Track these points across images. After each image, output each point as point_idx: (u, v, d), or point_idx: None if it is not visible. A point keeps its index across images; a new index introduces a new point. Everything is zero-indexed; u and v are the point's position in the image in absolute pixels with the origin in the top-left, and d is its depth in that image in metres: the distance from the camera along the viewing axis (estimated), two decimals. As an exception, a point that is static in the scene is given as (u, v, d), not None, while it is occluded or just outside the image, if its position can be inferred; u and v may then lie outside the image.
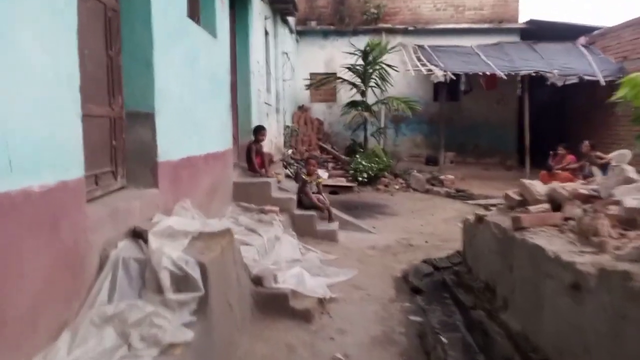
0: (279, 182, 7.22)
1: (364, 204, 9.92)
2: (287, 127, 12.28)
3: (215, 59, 5.61)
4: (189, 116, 4.61)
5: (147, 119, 3.71)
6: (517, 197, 4.29)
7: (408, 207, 9.80)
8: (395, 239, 7.02)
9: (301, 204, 6.86)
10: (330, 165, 12.97)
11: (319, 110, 15.31)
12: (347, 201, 10.25)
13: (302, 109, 14.56)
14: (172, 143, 4.10)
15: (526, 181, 4.27)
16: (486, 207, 9.84)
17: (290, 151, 9.15)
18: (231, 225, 5.26)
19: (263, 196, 6.44)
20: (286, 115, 12.76)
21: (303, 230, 6.47)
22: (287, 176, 9.17)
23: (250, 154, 7.11)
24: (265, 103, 9.55)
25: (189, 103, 4.60)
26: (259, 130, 7.22)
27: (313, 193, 6.92)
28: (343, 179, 11.88)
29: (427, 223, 8.35)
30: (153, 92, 3.71)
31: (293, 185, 7.55)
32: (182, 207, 3.83)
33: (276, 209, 6.27)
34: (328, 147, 13.78)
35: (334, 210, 7.28)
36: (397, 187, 11.63)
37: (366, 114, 12.68)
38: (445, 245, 6.80)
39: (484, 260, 4.46)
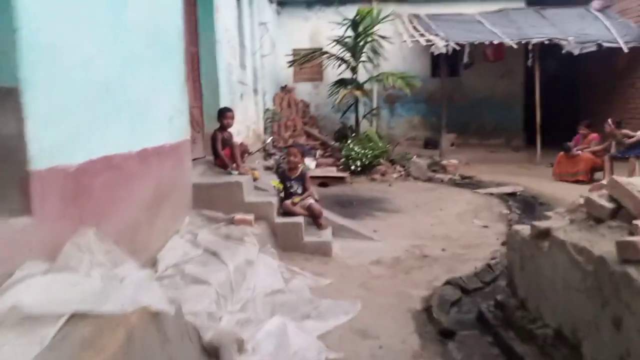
0: (255, 179, 5.68)
1: (360, 199, 8.43)
2: (268, 110, 10.70)
3: (159, 10, 4.03)
4: (108, 92, 3.05)
5: (5, 98, 2.16)
6: (608, 205, 2.80)
7: (411, 200, 8.33)
8: (404, 247, 5.54)
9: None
10: (318, 152, 11.44)
11: (304, 90, 13.70)
12: (339, 195, 8.75)
13: (284, 89, 12.95)
14: (68, 137, 2.56)
15: (621, 179, 2.77)
16: (501, 196, 8.45)
17: (270, 139, 7.59)
18: (184, 247, 3.75)
19: (232, 201, 4.92)
20: (266, 97, 11.17)
21: (287, 244, 4.98)
22: (268, 169, 7.62)
23: (216, 144, 5.56)
24: (240, 82, 7.97)
25: (107, 71, 3.04)
26: (224, 113, 5.66)
27: (296, 195, 5.38)
28: (333, 169, 10.38)
29: (437, 221, 6.89)
30: (16, 48, 2.15)
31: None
32: (77, 247, 2.28)
33: (250, 217, 4.74)
34: (315, 132, 12.23)
35: (325, 212, 5.79)
36: (395, 175, 10.15)
37: (357, 92, 11.13)
38: (468, 254, 5.36)
39: (555, 298, 3.00)
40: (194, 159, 5.93)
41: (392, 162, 10.75)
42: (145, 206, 3.60)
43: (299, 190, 5.36)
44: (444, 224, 6.77)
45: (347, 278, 4.54)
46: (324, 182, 9.73)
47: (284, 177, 5.50)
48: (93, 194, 2.80)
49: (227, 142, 5.73)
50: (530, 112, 12.69)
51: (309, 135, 12.03)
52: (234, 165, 5.52)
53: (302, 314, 3.63)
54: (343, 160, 10.34)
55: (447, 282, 4.37)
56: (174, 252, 3.76)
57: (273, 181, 5.55)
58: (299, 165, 5.46)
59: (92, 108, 2.85)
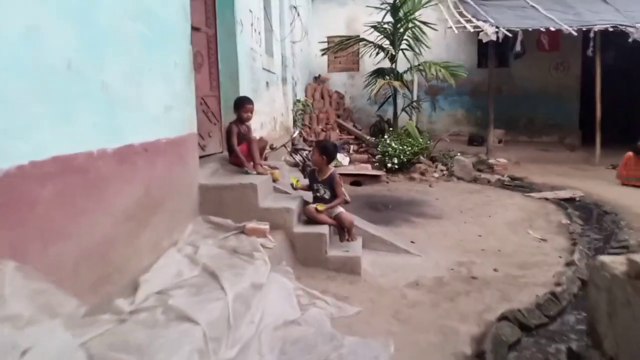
0: (275, 180, 4.93)
1: (396, 201, 7.58)
2: (298, 101, 9.94)
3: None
4: (70, 74, 2.34)
5: None
6: None
7: (454, 204, 7.42)
8: (448, 264, 4.69)
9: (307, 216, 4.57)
10: (352, 148, 10.62)
11: (338, 81, 12.86)
12: (372, 196, 7.93)
13: (318, 80, 12.16)
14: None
15: None
16: (558, 202, 7.44)
17: (297, 132, 6.82)
18: (179, 264, 3.05)
19: (245, 206, 4.18)
20: (297, 87, 10.41)
21: (308, 258, 4.21)
22: (295, 166, 6.86)
23: (231, 139, 4.83)
24: (265, 70, 7.23)
25: (67, 47, 2.33)
26: (242, 105, 4.91)
27: (323, 200, 4.58)
28: (368, 166, 9.55)
29: (486, 231, 5.98)
30: None
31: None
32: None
33: (264, 227, 3.99)
34: (349, 125, 11.40)
35: (355, 217, 5.00)
36: (436, 175, 9.23)
37: (396, 83, 10.22)
38: (526, 276, 4.47)
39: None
40: (208, 155, 5.25)
41: (433, 160, 9.83)
42: (127, 217, 2.88)
43: (327, 195, 4.57)
44: (494, 234, 5.86)
45: (377, 305, 3.73)
46: (357, 180, 8.93)
47: (311, 178, 4.72)
48: (38, 207, 2.09)
49: (245, 137, 4.99)
50: (586, 108, 11.50)
51: (342, 129, 11.22)
52: (251, 163, 4.78)
53: (320, 355, 2.87)
54: (379, 156, 9.50)
55: (503, 317, 3.51)
56: (164, 272, 3.04)
57: (292, 177, 4.77)
58: (329, 166, 4.65)
59: (40, 94, 2.14)
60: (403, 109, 10.81)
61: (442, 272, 4.48)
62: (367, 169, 9.34)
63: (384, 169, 9.28)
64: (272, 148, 6.07)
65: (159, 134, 3.35)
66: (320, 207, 4.42)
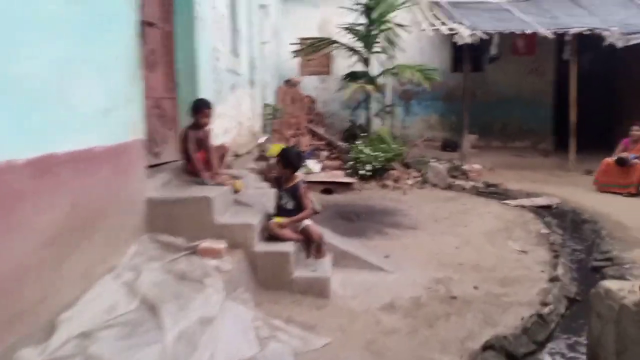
0: (236, 191, 4.47)
1: (369, 210, 7.19)
2: (267, 105, 9.48)
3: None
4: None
5: None
6: None
7: (429, 212, 7.08)
8: (425, 281, 4.30)
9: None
10: (324, 154, 10.21)
11: (310, 85, 12.46)
12: (344, 205, 7.52)
13: (289, 83, 11.73)
14: None
15: None
16: (535, 210, 7.18)
17: (264, 138, 6.35)
18: (114, 295, 2.58)
19: (199, 222, 3.72)
20: (267, 90, 9.96)
21: (270, 280, 3.76)
22: (262, 174, 6.40)
23: (187, 145, 4.35)
24: (230, 71, 6.76)
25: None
26: (200, 109, 4.44)
27: (286, 211, 4.15)
28: (340, 173, 9.15)
29: (463, 241, 5.63)
30: None
31: (264, 196, 4.77)
32: None
33: (219, 247, 3.54)
34: (321, 131, 11.00)
35: (325, 230, 4.57)
36: (410, 182, 8.88)
37: (370, 87, 9.87)
38: (508, 294, 4.13)
39: None
40: (162, 163, 4.76)
41: (407, 166, 9.49)
42: (46, 241, 2.40)
43: (290, 206, 4.13)
44: (471, 245, 5.51)
45: (348, 334, 3.31)
46: (329, 188, 8.52)
47: (277, 185, 4.29)
48: None
49: (203, 144, 4.53)
50: (561, 113, 11.36)
51: (314, 135, 10.81)
52: (207, 174, 4.31)
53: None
54: (351, 163, 9.11)
55: (488, 346, 3.14)
56: (92, 307, 2.56)
57: (237, 182, 4.34)
58: (296, 174, 4.22)
59: None
60: (376, 114, 10.47)
61: (419, 291, 4.08)
62: (339, 176, 8.94)
63: (357, 176, 8.89)
64: (236, 155, 5.61)
65: (93, 141, 2.87)
66: (280, 220, 3.99)
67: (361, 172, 8.82)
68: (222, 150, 4.63)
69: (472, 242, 5.65)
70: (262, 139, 6.22)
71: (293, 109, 11.02)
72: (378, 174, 8.92)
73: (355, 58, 10.35)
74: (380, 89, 10.63)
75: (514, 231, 6.17)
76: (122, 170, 3.27)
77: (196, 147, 4.40)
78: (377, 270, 4.44)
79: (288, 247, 3.84)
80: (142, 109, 3.62)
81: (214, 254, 3.50)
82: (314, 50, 10.31)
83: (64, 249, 2.56)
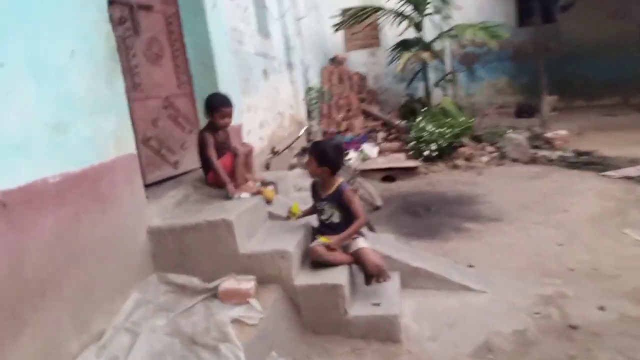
0: (268, 202, 3.54)
1: (440, 198, 6.08)
2: (311, 89, 8.47)
3: None
4: None
5: None
6: None
7: (514, 196, 5.87)
8: (528, 303, 3.19)
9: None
10: (381, 135, 9.11)
11: (358, 60, 11.32)
12: (409, 194, 6.45)
13: (334, 61, 10.66)
14: None
15: None
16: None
17: (304, 128, 5.31)
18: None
19: (220, 253, 2.83)
20: (309, 72, 8.95)
21: (319, 323, 2.81)
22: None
23: (206, 151, 3.46)
24: (260, 55, 5.82)
25: None
26: (216, 107, 3.50)
27: (329, 228, 3.15)
28: (401, 156, 8.06)
29: (567, 235, 4.43)
30: None
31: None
32: None
33: (246, 287, 2.62)
34: (375, 110, 9.87)
35: (384, 232, 3.55)
36: (485, 159, 7.63)
37: (425, 55, 8.63)
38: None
39: None
40: (182, 174, 3.93)
41: (479, 140, 8.21)
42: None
43: (335, 218, 3.13)
44: (579, 239, 4.31)
45: (433, 405, 2.31)
46: (389, 175, 7.46)
47: (313, 193, 3.30)
48: None
49: (224, 147, 3.62)
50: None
51: (367, 115, 9.72)
52: (231, 185, 3.40)
53: None
54: (413, 143, 7.97)
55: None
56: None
57: (295, 205, 3.32)
58: (335, 177, 3.20)
59: None
60: (436, 84, 9.21)
61: (522, 320, 2.99)
62: (400, 160, 7.85)
63: (421, 158, 7.76)
64: (275, 152, 4.69)
65: (39, 172, 2.00)
66: (325, 240, 3.01)
67: (426, 152, 7.67)
68: (245, 149, 3.68)
69: (579, 234, 4.44)
70: (309, 127, 5.23)
71: (341, 89, 9.96)
72: (445, 153, 7.75)
73: (405, 24, 9.11)
74: (437, 55, 9.34)
75: (629, 213, 4.87)
76: (100, 201, 2.41)
77: (216, 153, 3.49)
78: (460, 290, 3.37)
79: (340, 276, 2.86)
80: (127, 115, 2.74)
81: (239, 297, 2.59)
82: (358, 21, 9.14)
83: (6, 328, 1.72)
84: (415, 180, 7.20)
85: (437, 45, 9.39)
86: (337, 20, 9.17)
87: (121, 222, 2.57)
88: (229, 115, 3.52)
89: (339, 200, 3.06)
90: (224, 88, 4.36)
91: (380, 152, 8.44)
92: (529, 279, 3.58)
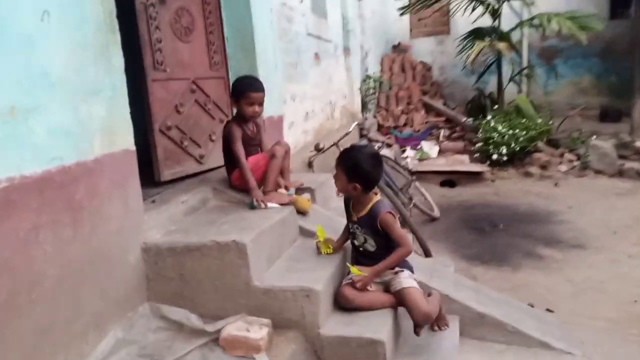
0: (302, 213, 2.90)
1: (509, 213, 5.25)
2: (369, 77, 7.72)
3: None
4: None
5: None
6: None
7: (600, 216, 4.98)
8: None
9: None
10: (443, 133, 8.26)
11: (424, 48, 10.41)
12: (472, 205, 5.64)
13: (397, 48, 9.83)
14: None
15: None
16: None
17: (355, 124, 4.57)
18: None
19: (228, 285, 2.22)
20: (368, 59, 8.19)
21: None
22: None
23: (233, 147, 2.85)
24: (313, 36, 5.14)
25: None
26: (244, 92, 2.86)
27: (364, 257, 2.44)
28: (464, 158, 7.21)
29: (672, 276, 3.54)
30: None
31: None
32: None
33: (256, 336, 1.98)
34: (438, 104, 8.99)
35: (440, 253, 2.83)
36: (563, 168, 6.67)
37: (501, 45, 7.66)
38: None
39: None
40: (206, 171, 3.36)
41: (556, 145, 7.23)
42: None
43: (370, 246, 2.41)
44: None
45: None
46: (450, 179, 6.66)
47: (345, 210, 2.60)
48: None
49: (253, 142, 3.00)
50: None
51: (429, 109, 8.86)
52: (259, 191, 2.78)
53: None
54: (480, 145, 7.11)
55: None
56: None
57: (319, 231, 2.62)
58: (370, 194, 2.47)
59: None
60: (511, 79, 8.22)
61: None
62: (464, 163, 7.01)
63: (488, 162, 6.89)
64: (319, 150, 4.05)
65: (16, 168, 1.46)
66: (357, 272, 2.32)
67: (494, 156, 6.80)
68: (282, 153, 3.04)
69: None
70: (354, 124, 4.51)
71: (403, 79, 9.14)
72: (517, 158, 6.85)
73: (480, 10, 8.15)
74: (514, 47, 8.33)
75: None
76: (74, 210, 1.84)
77: (243, 150, 2.87)
78: (538, 348, 2.60)
79: (381, 326, 2.17)
80: (124, 101, 2.15)
81: (246, 348, 1.97)
82: (426, 5, 8.26)
83: None
84: (479, 188, 6.35)
85: (515, 36, 8.39)
86: (404, 3, 8.33)
87: (103, 238, 2.00)
88: (259, 102, 2.88)
89: (373, 225, 2.36)
90: (264, 73, 3.75)
91: (441, 152, 7.63)
92: (629, 338, 2.77)
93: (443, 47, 10.27)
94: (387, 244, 2.37)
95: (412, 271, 2.45)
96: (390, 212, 2.34)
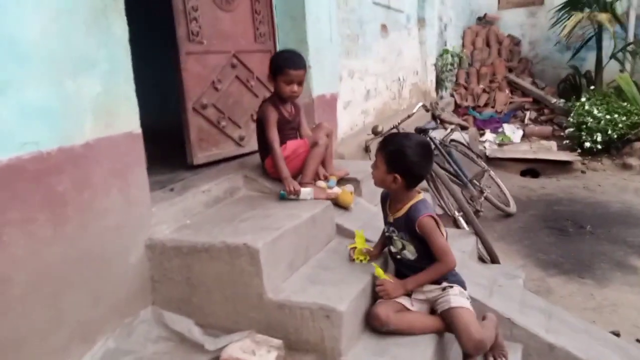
0: (344, 206, 2.53)
1: (599, 212, 4.55)
2: (446, 52, 7.05)
3: None
4: None
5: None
6: None
7: None
8: None
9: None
10: (529, 115, 7.46)
11: (513, 21, 9.41)
12: (556, 200, 4.97)
13: (483, 20, 8.98)
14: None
15: None
16: None
17: (419, 105, 4.05)
18: None
19: (239, 294, 1.90)
20: (447, 31, 7.48)
21: None
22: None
23: (267, 130, 2.52)
24: (379, 4, 4.63)
25: None
26: (281, 67, 2.50)
27: (404, 265, 2.01)
28: (552, 144, 6.45)
29: None
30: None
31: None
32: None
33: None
34: (526, 82, 8.11)
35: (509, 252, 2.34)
36: (670, 161, 5.73)
37: (603, 17, 6.72)
38: None
39: None
40: (245, 154, 3.08)
41: (663, 134, 6.25)
42: None
43: (409, 254, 1.97)
44: None
45: None
46: (533, 169, 5.95)
47: (383, 214, 2.17)
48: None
49: (290, 125, 2.64)
50: None
51: (515, 88, 8.03)
52: (294, 183, 2.43)
53: None
54: (571, 130, 6.30)
55: None
56: None
57: (357, 237, 2.21)
58: (412, 192, 2.04)
59: None
60: (612, 56, 7.20)
61: None
62: (550, 150, 6.25)
63: (579, 150, 6.10)
64: (376, 133, 3.62)
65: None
66: (382, 274, 1.93)
67: (587, 144, 6.01)
68: (325, 131, 2.65)
69: None
70: (419, 105, 3.98)
71: (487, 55, 8.33)
72: (614, 147, 6.00)
73: (581, -24, 7.18)
74: (619, 19, 7.28)
75: None
76: (55, 204, 1.59)
77: (277, 134, 2.53)
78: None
79: (421, 356, 1.78)
80: (128, 75, 1.86)
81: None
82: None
83: None
84: (567, 180, 5.61)
85: (619, 6, 7.33)
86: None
87: (96, 237, 1.74)
88: (299, 81, 2.51)
89: (411, 229, 1.93)
90: (316, 46, 3.37)
91: (525, 137, 6.88)
92: None
93: (535, 20, 9.24)
94: (428, 251, 1.95)
95: (463, 287, 2.01)
96: (432, 216, 1.91)
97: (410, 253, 1.98)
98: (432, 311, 1.99)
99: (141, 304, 1.97)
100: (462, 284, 2.01)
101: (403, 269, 2.05)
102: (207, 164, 2.87)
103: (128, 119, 1.89)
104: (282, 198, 2.41)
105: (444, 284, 1.97)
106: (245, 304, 1.88)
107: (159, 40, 2.71)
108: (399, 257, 2.03)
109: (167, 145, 3.19)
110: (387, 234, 2.06)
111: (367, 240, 2.17)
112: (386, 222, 2.07)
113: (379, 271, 1.96)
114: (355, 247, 2.13)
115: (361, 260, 2.11)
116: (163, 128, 3.50)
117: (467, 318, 1.85)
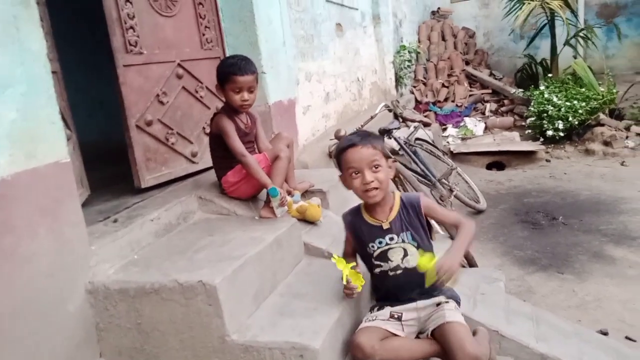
0: (311, 220, 2.33)
1: (569, 200, 4.50)
2: (403, 48, 6.93)
3: None
4: None
5: None
6: None
7: (681, 203, 4.14)
8: None
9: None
10: (489, 107, 7.44)
11: (466, 13, 9.42)
12: (525, 191, 4.90)
13: (436, 14, 8.94)
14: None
15: None
16: None
17: (381, 105, 3.90)
18: None
19: (197, 338, 1.65)
20: (402, 27, 7.38)
21: None
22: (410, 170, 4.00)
23: (230, 143, 2.29)
24: (332, 2, 4.45)
25: None
26: (227, 75, 2.27)
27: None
28: (515, 135, 6.43)
29: None
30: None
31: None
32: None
33: None
34: (484, 74, 8.10)
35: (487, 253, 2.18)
36: (631, 143, 5.77)
37: (555, 4, 6.73)
38: None
39: None
40: (199, 172, 2.83)
41: (621, 117, 6.31)
42: None
43: (412, 258, 1.73)
44: None
45: None
46: (499, 161, 5.90)
47: (370, 231, 1.94)
48: None
49: (246, 139, 2.41)
50: None
51: (473, 81, 8.00)
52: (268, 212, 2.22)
53: None
54: (532, 119, 6.28)
55: None
56: None
57: (337, 262, 1.99)
58: (390, 194, 1.85)
59: None
60: (566, 43, 7.25)
61: None
62: (514, 141, 6.22)
63: (542, 139, 6.08)
64: (339, 137, 3.44)
65: None
66: (349, 271, 1.76)
67: (549, 132, 5.99)
68: (284, 142, 2.44)
69: None
70: (381, 105, 3.83)
71: (443, 48, 8.29)
72: (576, 133, 6.01)
73: (530, -35, 7.19)
74: (569, 5, 7.33)
75: None
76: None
77: (241, 143, 2.29)
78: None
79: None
80: (50, 97, 1.60)
81: None
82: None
83: None
84: (533, 170, 5.57)
85: (569, -7, 7.39)
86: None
87: (21, 288, 1.48)
88: (248, 88, 2.28)
89: (416, 217, 1.76)
90: (269, 49, 3.15)
91: (488, 129, 6.84)
92: None
93: (488, 11, 9.26)
94: (427, 244, 1.80)
95: (458, 303, 1.84)
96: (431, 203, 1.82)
97: (413, 257, 1.77)
98: (418, 335, 1.81)
99: (87, 356, 1.71)
100: (458, 300, 1.85)
101: (401, 284, 1.81)
102: (157, 186, 2.61)
103: (53, 146, 1.63)
104: (274, 196, 2.19)
105: (440, 299, 1.79)
106: (206, 349, 1.65)
107: (106, 51, 2.44)
108: (398, 271, 1.80)
109: (114, 167, 2.92)
110: (377, 252, 1.82)
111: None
112: (377, 236, 1.82)
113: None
114: (346, 274, 1.86)
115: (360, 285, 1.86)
116: (111, 147, 3.21)
117: (463, 333, 1.67)
